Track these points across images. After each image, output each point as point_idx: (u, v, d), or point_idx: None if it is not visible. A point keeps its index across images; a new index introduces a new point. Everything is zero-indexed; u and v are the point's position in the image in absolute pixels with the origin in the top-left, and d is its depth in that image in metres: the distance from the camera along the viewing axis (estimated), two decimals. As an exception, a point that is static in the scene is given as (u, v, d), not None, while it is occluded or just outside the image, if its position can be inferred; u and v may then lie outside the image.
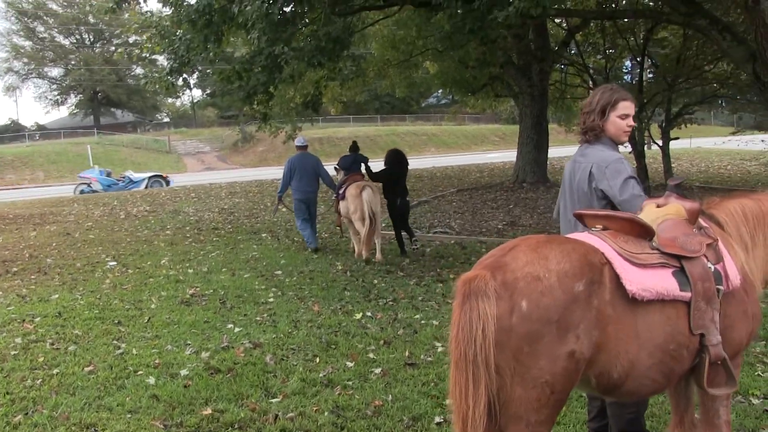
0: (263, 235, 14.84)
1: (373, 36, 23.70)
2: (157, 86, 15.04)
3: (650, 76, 22.96)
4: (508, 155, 32.45)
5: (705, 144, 39.90)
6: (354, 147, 13.04)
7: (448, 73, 25.33)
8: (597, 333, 3.00)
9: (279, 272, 10.76)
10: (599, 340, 3.01)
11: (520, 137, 23.24)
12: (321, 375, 6.06)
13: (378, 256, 11.55)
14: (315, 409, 5.32)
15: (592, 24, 21.71)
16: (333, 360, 6.50)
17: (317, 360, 6.51)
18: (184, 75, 14.95)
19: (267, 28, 11.69)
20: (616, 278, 3.10)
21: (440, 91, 44.30)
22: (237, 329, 7.59)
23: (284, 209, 15.02)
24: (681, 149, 35.39)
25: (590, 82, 21.78)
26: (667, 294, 3.17)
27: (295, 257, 12.07)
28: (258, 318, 8.08)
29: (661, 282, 3.18)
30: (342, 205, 12.16)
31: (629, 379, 3.16)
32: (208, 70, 19.63)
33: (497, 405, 2.95)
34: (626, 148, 21.33)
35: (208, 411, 5.28)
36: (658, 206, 3.58)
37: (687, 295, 3.23)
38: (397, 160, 11.93)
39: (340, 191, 12.23)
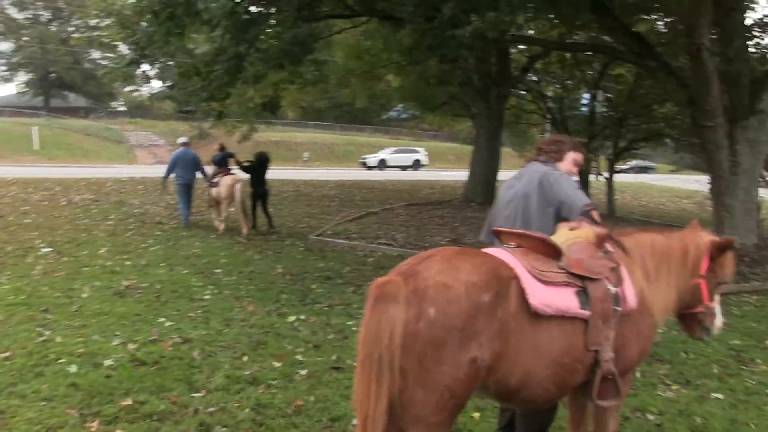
0: (207, 232, 14.81)
1: (338, 44, 23.81)
2: (112, 76, 14.98)
3: (603, 110, 23.50)
4: (461, 174, 32.75)
5: (649, 179, 40.90)
6: (222, 147, 16.34)
7: (409, 88, 25.53)
8: (499, 343, 3.14)
9: (218, 270, 10.76)
10: (500, 350, 3.15)
11: (473, 157, 23.52)
12: (247, 373, 6.10)
13: (244, 231, 14.50)
14: (236, 405, 5.35)
15: (552, 54, 22.15)
16: (261, 359, 6.54)
17: (245, 358, 6.54)
18: (143, 67, 14.91)
19: (232, 26, 11.68)
20: (522, 293, 3.25)
21: (401, 105, 44.61)
22: (168, 323, 7.56)
23: (167, 190, 17.48)
24: (626, 183, 36.17)
25: (546, 110, 22.21)
26: (567, 311, 3.35)
27: (237, 257, 12.08)
28: (191, 314, 8.06)
29: (564, 300, 3.35)
30: (214, 191, 15.28)
31: (525, 388, 3.31)
32: (170, 62, 19.55)
33: (399, 406, 3.04)
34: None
35: (128, 402, 5.26)
36: (571, 229, 3.77)
37: (586, 313, 3.41)
38: (262, 159, 15.87)
39: (214, 180, 15.41)
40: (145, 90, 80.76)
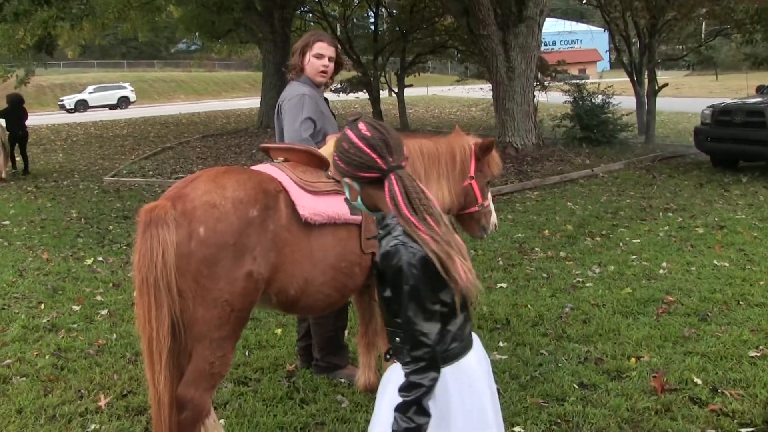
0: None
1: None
2: None
3: (387, 26, 23.95)
4: (257, 102, 32.57)
5: (440, 92, 42.41)
6: None
7: (192, 17, 24.79)
8: (274, 254, 3.28)
9: (6, 222, 10.29)
10: (276, 261, 3.29)
11: (264, 83, 23.38)
12: (45, 320, 5.98)
13: (2, 174, 14.93)
14: (36, 353, 5.26)
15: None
16: (59, 305, 6.42)
17: (42, 306, 6.40)
18: None
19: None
20: (292, 204, 3.39)
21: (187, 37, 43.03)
22: (-48, 283, 7.21)
23: None
24: (418, 96, 37.27)
25: (331, 30, 22.32)
26: (338, 218, 3.52)
27: (27, 207, 11.58)
28: (-22, 270, 7.71)
29: (333, 207, 3.51)
30: None
31: (305, 296, 3.48)
32: None
33: (182, 326, 3.13)
34: (364, 94, 22.25)
35: None
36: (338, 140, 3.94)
37: (358, 218, 3.60)
38: (16, 102, 15.83)
39: None
40: None
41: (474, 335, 2.55)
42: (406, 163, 2.37)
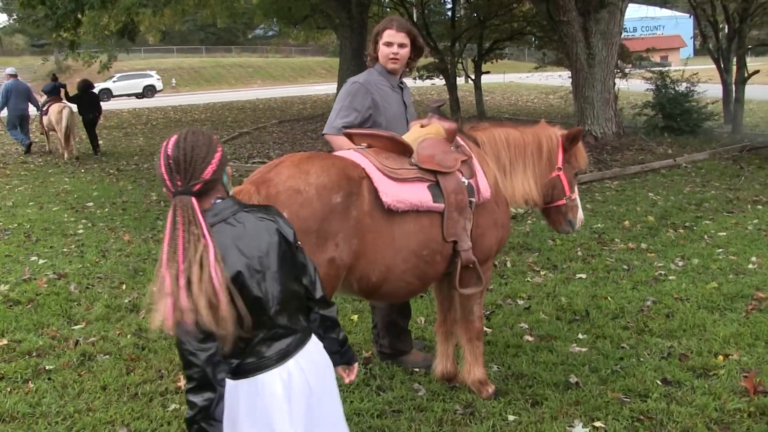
0: (76, 167, 14.40)
1: (192, -39, 22.90)
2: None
3: (465, 12, 23.66)
4: (333, 87, 32.68)
5: (517, 79, 41.84)
6: (54, 77, 17.47)
7: (270, 2, 24.97)
8: (356, 241, 3.27)
9: (90, 204, 10.56)
10: (358, 248, 3.28)
11: (341, 69, 23.39)
12: (126, 301, 6.12)
13: (74, 153, 15.88)
14: (118, 333, 5.39)
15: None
16: (140, 286, 6.55)
17: (123, 287, 6.54)
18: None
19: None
20: (375, 191, 3.37)
21: (265, 23, 43.36)
22: (41, 261, 7.44)
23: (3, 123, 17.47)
24: (495, 83, 36.84)
25: (408, 16, 22.20)
26: (420, 205, 3.49)
27: (109, 189, 11.86)
28: (65, 249, 7.94)
29: (416, 194, 3.48)
30: (45, 119, 16.19)
31: (386, 282, 3.47)
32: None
33: None
34: (441, 81, 22.07)
35: (4, 342, 5.20)
36: (422, 126, 3.89)
37: (440, 206, 3.56)
38: (86, 88, 16.51)
39: (44, 108, 16.26)
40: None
41: (315, 357, 2.46)
42: (199, 186, 2.22)
